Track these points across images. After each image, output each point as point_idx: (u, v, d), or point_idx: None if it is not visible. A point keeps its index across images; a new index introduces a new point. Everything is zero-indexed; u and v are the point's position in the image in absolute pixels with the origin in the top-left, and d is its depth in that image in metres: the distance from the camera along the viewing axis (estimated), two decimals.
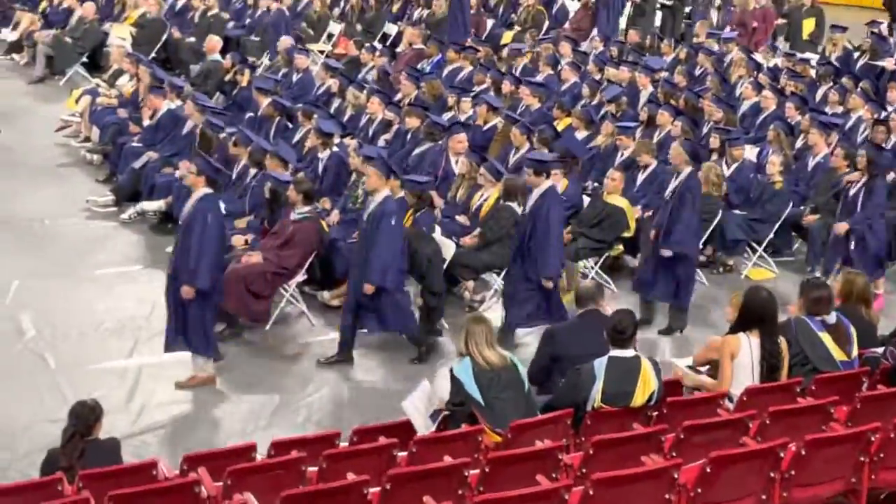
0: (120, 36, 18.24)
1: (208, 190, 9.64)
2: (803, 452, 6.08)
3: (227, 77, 16.39)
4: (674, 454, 6.28)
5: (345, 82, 15.45)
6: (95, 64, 18.63)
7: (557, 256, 10.19)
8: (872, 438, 6.26)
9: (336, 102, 15.30)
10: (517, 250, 10.28)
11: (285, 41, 17.72)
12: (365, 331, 10.24)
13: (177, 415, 9.30)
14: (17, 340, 10.30)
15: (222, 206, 10.33)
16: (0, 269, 11.69)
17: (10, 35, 19.98)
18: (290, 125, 14.09)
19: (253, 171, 12.22)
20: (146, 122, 14.25)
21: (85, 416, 7.06)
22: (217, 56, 17.00)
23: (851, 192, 11.66)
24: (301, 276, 11.03)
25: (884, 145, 12.98)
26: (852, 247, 11.41)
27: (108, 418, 7.52)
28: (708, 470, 5.92)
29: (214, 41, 17.18)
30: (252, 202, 12.02)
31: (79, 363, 9.89)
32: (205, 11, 19.29)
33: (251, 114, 14.71)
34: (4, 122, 13.56)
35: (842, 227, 11.48)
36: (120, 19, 19.39)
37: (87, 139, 15.61)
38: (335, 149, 12.92)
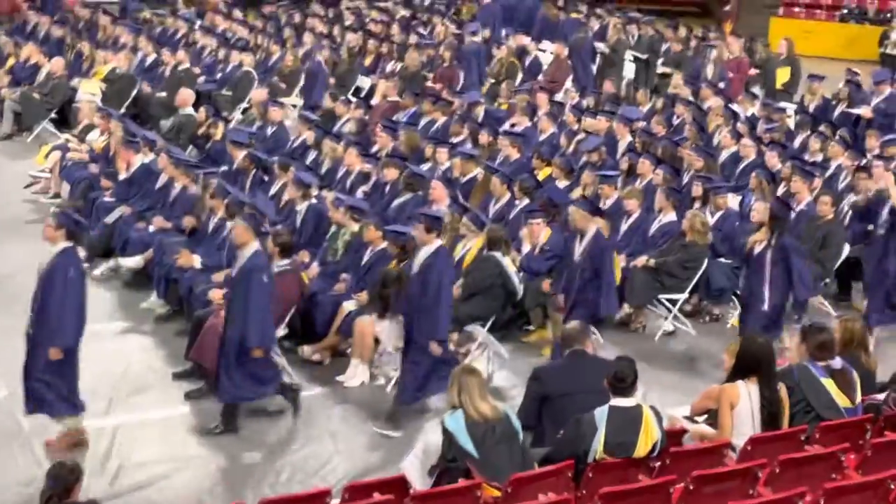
0: (89, 91, 17.99)
1: (68, 244, 9.22)
2: (822, 502, 5.85)
3: (201, 131, 16.17)
4: None
5: (320, 134, 15.27)
6: (64, 119, 18.35)
7: (447, 319, 9.74)
8: (892, 486, 6.04)
9: (312, 154, 15.10)
10: (405, 315, 9.84)
11: (260, 94, 17.55)
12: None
13: (156, 474, 8.97)
14: None
15: (197, 259, 10.03)
16: None
17: None
18: (266, 178, 13.87)
19: (230, 223, 11.95)
20: (122, 177, 13.97)
21: (63, 478, 6.73)
22: (189, 109, 16.80)
23: (756, 251, 10.71)
24: (281, 331, 10.76)
25: (866, 193, 12.89)
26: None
27: (85, 480, 7.21)
28: None
29: (187, 94, 16.98)
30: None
31: (53, 423, 9.51)
32: (175, 66, 19.11)
33: (225, 167, 14.48)
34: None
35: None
36: (89, 74, 19.14)
37: (57, 195, 15.31)
38: (313, 200, 12.71)
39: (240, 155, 14.17)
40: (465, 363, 9.42)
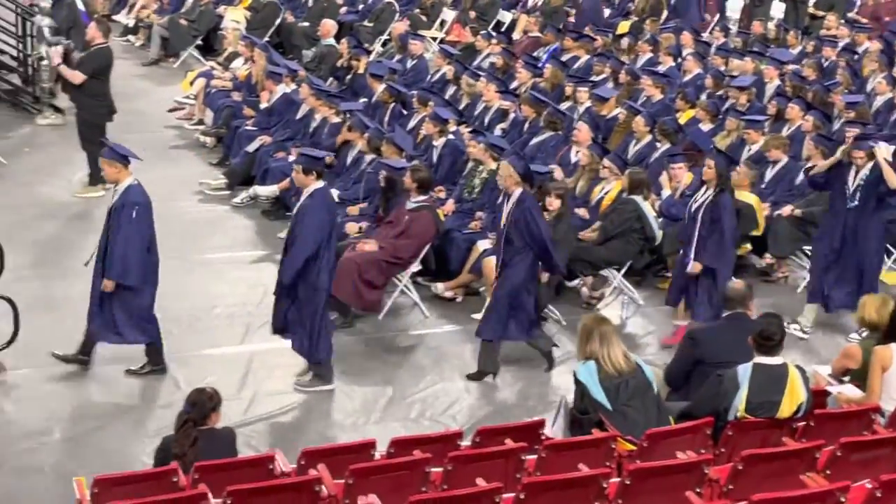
0: (234, 19, 18.16)
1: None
2: None
3: (341, 62, 16.18)
4: (828, 472, 5.79)
5: (460, 69, 15.12)
6: (209, 47, 18.62)
7: (297, 266, 8.96)
8: None
9: (451, 90, 14.97)
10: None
11: (399, 27, 17.45)
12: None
13: (288, 405, 9.08)
14: None
15: (334, 192, 9.96)
16: None
17: (126, 18, 20.12)
18: (405, 112, 13.81)
19: (368, 157, 11.96)
20: (263, 106, 14.10)
21: (202, 404, 6.82)
22: (331, 40, 16.82)
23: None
24: (415, 267, 10.75)
25: None
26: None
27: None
28: (878, 495, 5.42)
29: (329, 25, 16.98)
30: (366, 189, 11.77)
31: (190, 348, 9.73)
32: None
33: (365, 99, 14.47)
34: (120, 104, 13.50)
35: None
36: (234, 2, 19.33)
37: (201, 122, 15.57)
38: (451, 136, 12.60)
39: (379, 88, 14.14)
40: (596, 313, 9.21)
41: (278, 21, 18.66)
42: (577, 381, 6.89)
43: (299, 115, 13.69)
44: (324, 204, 9.10)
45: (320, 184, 9.16)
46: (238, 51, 16.18)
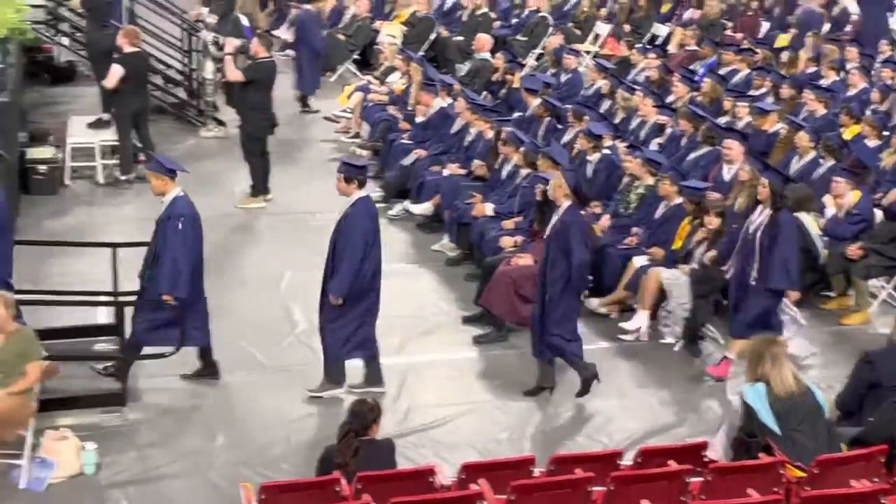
0: (390, 34, 18.42)
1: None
2: None
3: (496, 76, 16.23)
4: None
5: (615, 83, 15.00)
6: (366, 61, 18.93)
7: (351, 277, 8.97)
8: None
9: (606, 104, 14.86)
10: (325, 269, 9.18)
11: (553, 41, 17.42)
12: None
13: (443, 417, 9.10)
14: (290, 332, 10.40)
15: (489, 207, 9.82)
16: (275, 259, 11.94)
17: (285, 33, 20.60)
18: (559, 126, 13.76)
19: (524, 172, 11.95)
20: (419, 120, 14.25)
21: (363, 415, 6.90)
22: (486, 54, 16.89)
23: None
24: None
25: None
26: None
27: None
28: None
29: (485, 39, 17.06)
30: (522, 203, 11.73)
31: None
32: (473, 10, 19.27)
33: (519, 114, 14.48)
34: (280, 116, 13.85)
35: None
36: (390, 17, 19.62)
37: (357, 135, 15.82)
38: (606, 151, 12.49)
39: (534, 102, 14.13)
40: (766, 334, 8.96)
41: (433, 36, 18.84)
42: (745, 403, 6.72)
43: (454, 128, 13.78)
44: (366, 213, 9.14)
45: (363, 192, 9.20)
46: (394, 65, 16.41)
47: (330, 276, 9.12)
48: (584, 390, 9.31)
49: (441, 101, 14.20)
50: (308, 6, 18.46)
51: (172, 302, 8.91)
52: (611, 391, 9.55)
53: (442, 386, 9.65)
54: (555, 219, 9.30)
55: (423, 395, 9.44)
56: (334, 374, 9.29)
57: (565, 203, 9.23)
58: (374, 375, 9.41)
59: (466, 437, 8.86)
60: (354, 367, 9.44)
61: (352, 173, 9.11)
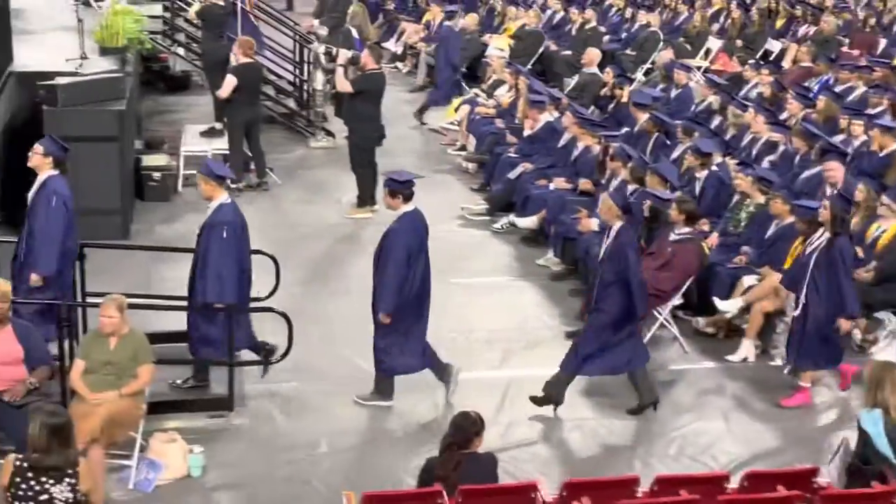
0: (499, 47, 18.43)
1: (54, 172, 9.18)
2: None
3: (604, 91, 16.13)
4: None
5: (726, 99, 14.78)
6: (474, 74, 18.98)
7: (395, 293, 8.96)
8: None
9: (716, 120, 14.65)
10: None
11: (664, 56, 17.25)
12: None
13: (545, 432, 9.06)
14: None
15: (594, 222, 9.73)
16: None
17: (395, 45, 20.81)
18: (668, 142, 13.60)
19: (631, 187, 11.83)
20: (526, 133, 14.23)
21: (465, 429, 6.89)
22: (595, 69, 16.80)
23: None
24: (677, 300, 10.54)
25: None
26: None
27: None
28: None
29: (594, 54, 16.97)
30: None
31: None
32: (582, 25, 19.19)
33: (627, 129, 14.36)
34: (387, 129, 13.95)
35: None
36: (499, 31, 19.65)
37: (464, 147, 15.87)
38: (714, 168, 12.30)
39: (643, 117, 13.99)
40: (886, 360, 8.72)
41: (541, 49, 18.81)
42: (861, 430, 6.54)
43: (561, 143, 13.73)
44: (411, 227, 9.11)
45: (409, 207, 9.18)
46: (502, 78, 16.42)
47: (374, 292, 9.16)
48: (637, 411, 9.25)
49: (548, 115, 14.16)
50: (448, 22, 18.59)
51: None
52: (716, 413, 9.40)
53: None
54: (607, 242, 9.19)
55: (525, 410, 9.38)
56: (382, 387, 9.30)
57: (617, 224, 9.14)
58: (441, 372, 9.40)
59: (569, 454, 8.80)
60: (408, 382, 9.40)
61: (396, 188, 9.13)
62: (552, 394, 9.23)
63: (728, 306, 10.52)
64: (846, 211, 9.37)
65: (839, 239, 9.11)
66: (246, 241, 9.24)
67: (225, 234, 8.97)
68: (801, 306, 9.25)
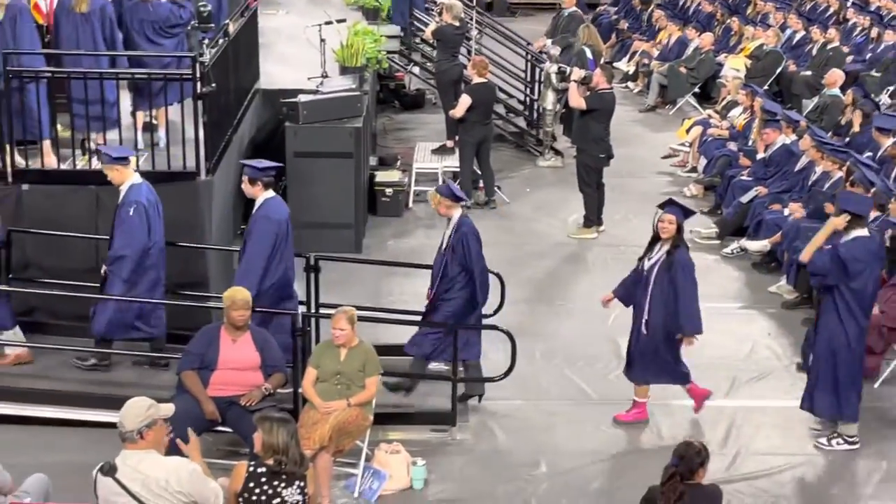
0: (734, 67, 17.97)
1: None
2: None
3: (846, 114, 15.46)
4: None
5: None
6: (706, 94, 18.60)
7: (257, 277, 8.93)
8: None
9: None
10: None
11: None
12: None
13: (772, 466, 8.76)
14: (616, 367, 10.32)
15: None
16: (604, 292, 11.84)
17: (626, 65, 20.64)
18: None
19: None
20: (760, 156, 13.83)
21: (690, 459, 6.71)
22: (836, 90, 16.14)
23: None
24: None
25: None
26: None
27: None
28: None
29: (837, 75, 16.29)
30: None
31: (675, 396, 9.65)
32: (824, 44, 18.47)
33: (870, 153, 13.71)
34: (616, 149, 13.83)
35: None
36: (736, 51, 19.18)
37: (694, 169, 15.58)
38: None
39: (887, 142, 13.33)
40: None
41: (779, 69, 18.24)
42: None
43: (798, 166, 13.26)
44: (276, 213, 9.10)
45: (269, 194, 9.14)
46: (737, 99, 16.01)
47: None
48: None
49: (784, 138, 13.70)
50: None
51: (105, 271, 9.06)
52: None
53: (772, 434, 9.28)
54: (448, 232, 9.32)
55: (752, 442, 9.14)
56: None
57: (455, 214, 9.33)
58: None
59: (797, 491, 8.51)
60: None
61: (255, 175, 9.12)
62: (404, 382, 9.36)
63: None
64: None
65: (678, 252, 9.03)
66: (156, 219, 9.27)
67: (132, 213, 9.05)
68: (643, 321, 9.13)
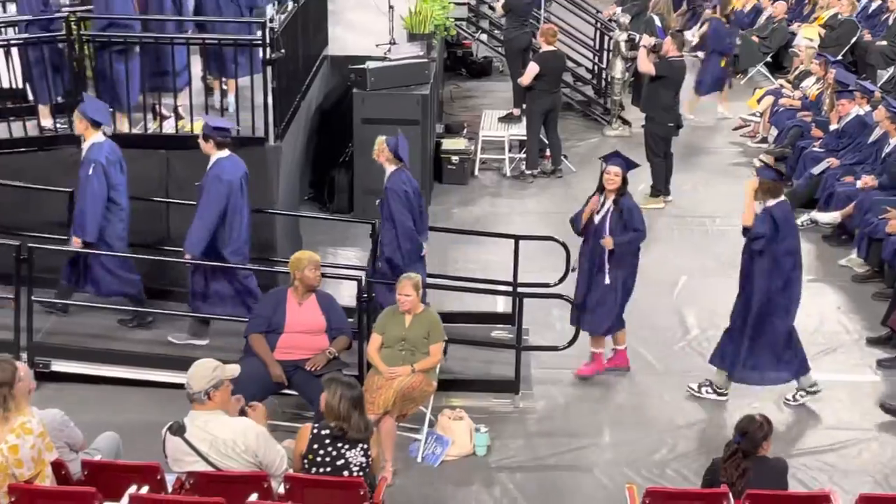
0: (808, 37, 17.66)
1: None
2: None
3: None
4: None
5: None
6: (779, 64, 18.31)
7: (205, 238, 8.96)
8: None
9: None
10: None
11: None
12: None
13: (840, 441, 8.65)
14: (681, 338, 10.28)
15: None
16: (671, 262, 11.84)
17: (694, 34, 20.35)
18: None
19: None
20: (833, 127, 13.60)
21: (752, 434, 6.63)
22: None
23: None
24: None
25: None
26: None
27: None
28: None
29: None
30: None
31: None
32: None
33: None
34: (686, 119, 13.69)
35: None
36: (809, 19, 18.84)
37: (765, 140, 15.36)
38: None
39: None
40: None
41: (854, 39, 17.88)
42: None
43: (872, 138, 13.01)
44: (230, 171, 9.00)
45: (224, 153, 8.99)
46: (810, 69, 15.74)
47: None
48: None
49: (858, 109, 13.45)
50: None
51: (79, 244, 9.11)
52: None
53: (840, 408, 9.16)
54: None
55: (819, 416, 9.02)
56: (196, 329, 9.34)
57: (389, 168, 9.12)
58: None
59: (864, 466, 8.37)
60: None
61: (208, 132, 9.05)
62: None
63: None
64: None
65: (623, 199, 9.20)
66: (115, 178, 9.26)
67: (91, 172, 9.04)
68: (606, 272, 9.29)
